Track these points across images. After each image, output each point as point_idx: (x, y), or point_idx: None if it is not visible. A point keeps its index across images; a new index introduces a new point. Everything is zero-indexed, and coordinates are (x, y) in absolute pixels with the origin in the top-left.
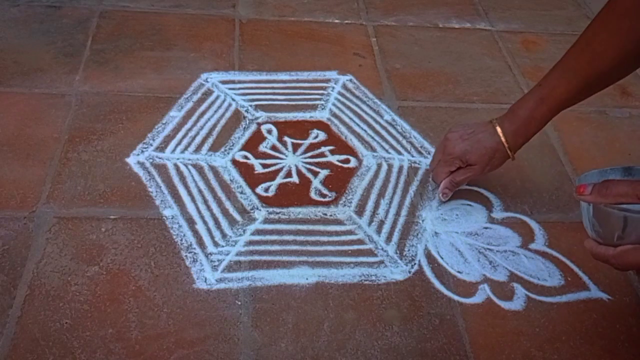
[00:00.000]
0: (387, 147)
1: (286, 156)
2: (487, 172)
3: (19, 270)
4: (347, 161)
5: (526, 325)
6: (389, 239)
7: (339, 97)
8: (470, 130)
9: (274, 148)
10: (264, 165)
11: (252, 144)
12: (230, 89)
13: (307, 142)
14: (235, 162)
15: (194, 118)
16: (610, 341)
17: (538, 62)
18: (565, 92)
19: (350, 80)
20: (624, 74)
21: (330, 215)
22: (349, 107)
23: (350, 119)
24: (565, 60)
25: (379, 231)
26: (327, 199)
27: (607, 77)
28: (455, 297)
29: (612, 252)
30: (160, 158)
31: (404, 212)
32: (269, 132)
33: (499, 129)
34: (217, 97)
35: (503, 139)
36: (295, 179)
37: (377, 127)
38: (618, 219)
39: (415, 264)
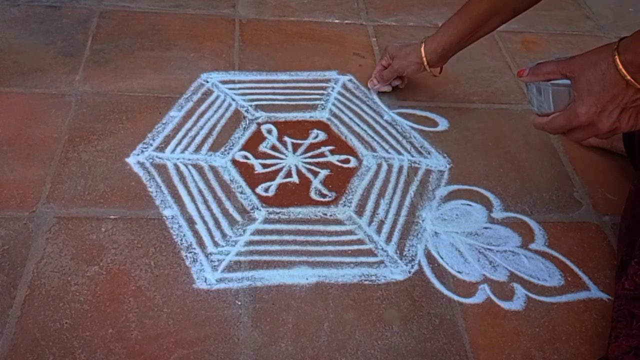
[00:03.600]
0: (387, 147)
1: (286, 156)
2: (399, 72)
3: (19, 270)
4: (347, 161)
5: (526, 325)
6: (389, 239)
7: (339, 97)
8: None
9: (274, 148)
10: (264, 165)
11: (252, 144)
12: (230, 89)
13: (307, 142)
14: (235, 162)
15: (194, 118)
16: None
17: (538, 62)
18: (469, 25)
19: (350, 80)
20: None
21: (330, 215)
22: (349, 107)
23: (350, 119)
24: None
25: (379, 231)
26: (327, 199)
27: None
28: (455, 297)
29: (545, 120)
30: (160, 158)
31: (404, 212)
32: (269, 132)
33: (422, 45)
34: (217, 97)
35: (422, 51)
36: (295, 179)
37: (377, 127)
38: (547, 92)
39: (415, 264)
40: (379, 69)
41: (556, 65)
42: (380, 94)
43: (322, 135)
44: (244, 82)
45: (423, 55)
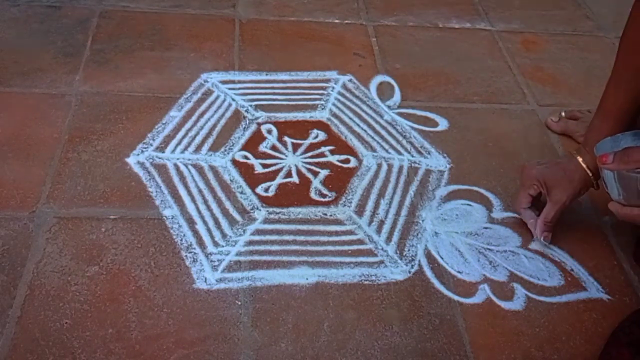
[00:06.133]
0: (387, 147)
1: (286, 156)
2: (572, 201)
3: (19, 270)
4: (347, 161)
5: (526, 325)
6: (389, 239)
7: (339, 97)
8: (548, 160)
9: (274, 148)
10: (264, 165)
11: (252, 144)
12: (230, 89)
13: (307, 142)
14: (235, 162)
15: (194, 118)
16: None
17: (538, 62)
18: (625, 102)
19: (350, 80)
20: None
21: (330, 215)
22: (349, 107)
23: (350, 119)
24: (616, 70)
25: (379, 231)
26: (327, 199)
27: None
28: (455, 297)
29: (637, 212)
30: (160, 158)
31: (404, 212)
32: (269, 132)
33: (577, 155)
34: (217, 97)
35: (582, 162)
36: (295, 179)
37: (377, 127)
38: (636, 182)
39: (415, 264)
40: (527, 202)
41: None
42: (379, 93)
43: (322, 135)
44: (244, 82)
45: (589, 173)
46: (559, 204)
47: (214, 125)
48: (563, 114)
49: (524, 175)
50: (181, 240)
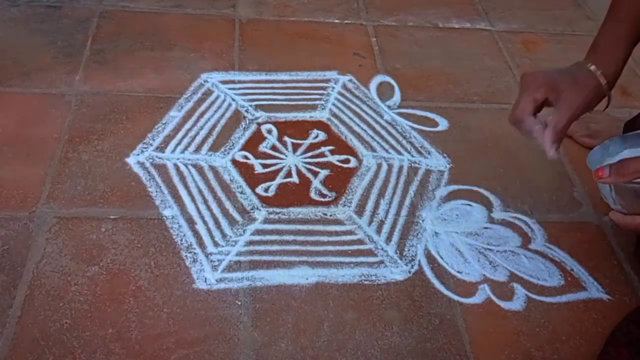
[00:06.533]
0: (387, 147)
1: (286, 156)
2: (584, 111)
3: (19, 270)
4: (347, 161)
5: (526, 325)
6: (389, 239)
7: (339, 97)
8: (553, 68)
9: (274, 148)
10: (264, 165)
11: (252, 144)
12: (230, 89)
13: (307, 142)
14: (235, 162)
15: (194, 118)
16: None
17: (538, 62)
18: (633, 11)
19: (350, 80)
20: None
21: (330, 215)
22: (349, 107)
23: (350, 119)
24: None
25: (379, 231)
26: (327, 199)
27: None
28: (455, 297)
29: (635, 221)
30: (160, 158)
31: (404, 212)
32: (269, 132)
33: (591, 66)
34: (217, 97)
35: (593, 69)
36: (295, 179)
37: (377, 127)
38: (633, 192)
39: (415, 264)
40: (532, 107)
41: None
42: (379, 93)
43: (322, 135)
44: (244, 82)
45: (603, 81)
46: (571, 110)
47: (214, 125)
48: None
49: (527, 79)
50: (181, 240)
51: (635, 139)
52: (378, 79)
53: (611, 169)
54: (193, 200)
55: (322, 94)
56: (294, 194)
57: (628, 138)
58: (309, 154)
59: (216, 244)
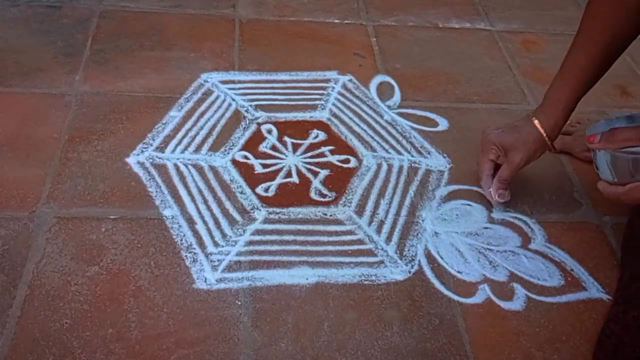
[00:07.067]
0: (387, 147)
1: (286, 156)
2: (527, 162)
3: (19, 270)
4: (347, 161)
5: (526, 325)
6: (389, 239)
7: (339, 97)
8: (506, 123)
9: (274, 148)
10: (264, 165)
11: (252, 144)
12: (230, 89)
13: (307, 142)
14: (235, 162)
15: (194, 118)
16: None
17: (538, 62)
18: (585, 67)
19: (350, 80)
20: (636, 32)
21: (330, 215)
22: (349, 107)
23: (350, 119)
24: (577, 36)
25: (379, 231)
26: (327, 199)
27: (622, 38)
28: (455, 297)
29: (621, 190)
30: (160, 158)
31: (404, 212)
32: (269, 132)
33: (533, 117)
34: (217, 97)
35: (537, 124)
36: (295, 179)
37: (377, 127)
38: (627, 162)
39: (415, 264)
40: (489, 167)
41: (635, 132)
42: (379, 93)
43: (322, 135)
44: (244, 82)
45: (544, 134)
46: (513, 165)
47: (214, 125)
48: None
49: (482, 140)
50: (181, 240)
51: None
52: (378, 79)
53: (602, 136)
54: (193, 200)
55: (322, 94)
56: (294, 194)
57: (635, 117)
58: (309, 154)
59: (216, 244)
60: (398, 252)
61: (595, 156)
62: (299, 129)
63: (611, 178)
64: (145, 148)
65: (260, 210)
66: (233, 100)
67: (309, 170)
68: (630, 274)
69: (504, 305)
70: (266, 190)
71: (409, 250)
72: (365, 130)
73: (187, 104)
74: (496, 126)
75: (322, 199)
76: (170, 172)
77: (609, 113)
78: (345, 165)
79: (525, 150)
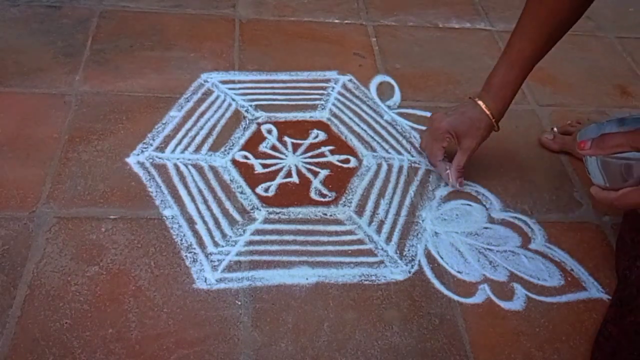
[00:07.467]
0: (387, 147)
1: (286, 156)
2: (478, 145)
3: (19, 270)
4: (347, 161)
5: (526, 325)
6: (389, 239)
7: (339, 97)
8: (453, 108)
9: (274, 148)
10: (264, 165)
11: (252, 144)
12: (230, 89)
13: (307, 142)
14: (235, 162)
15: (194, 118)
16: None
17: None
18: (531, 51)
19: (350, 80)
20: (582, 12)
21: (330, 215)
22: (349, 107)
23: (350, 119)
24: (523, 21)
25: (379, 231)
26: (327, 199)
27: (567, 22)
28: (455, 297)
29: (614, 195)
30: (160, 158)
31: (404, 212)
32: (269, 132)
33: (479, 102)
34: (217, 97)
35: (485, 109)
36: (295, 179)
37: (377, 127)
38: (618, 167)
39: (415, 264)
40: (442, 153)
41: (625, 137)
42: (379, 93)
43: (322, 135)
44: (244, 82)
45: (492, 119)
46: (469, 151)
47: (214, 125)
48: (555, 129)
49: (434, 128)
50: (181, 240)
51: (632, 123)
52: (378, 79)
53: (592, 142)
54: (193, 200)
55: (322, 94)
56: (294, 194)
57: (625, 121)
58: (309, 154)
59: (216, 244)
60: (398, 252)
61: (587, 162)
62: (299, 129)
63: (603, 183)
64: (145, 148)
65: (260, 210)
66: (233, 100)
67: (309, 170)
68: (625, 277)
69: (504, 305)
70: (266, 190)
71: (409, 250)
72: (365, 130)
73: (187, 104)
74: (444, 112)
75: (322, 199)
76: (170, 172)
77: (609, 113)
78: (345, 165)
79: (479, 136)
